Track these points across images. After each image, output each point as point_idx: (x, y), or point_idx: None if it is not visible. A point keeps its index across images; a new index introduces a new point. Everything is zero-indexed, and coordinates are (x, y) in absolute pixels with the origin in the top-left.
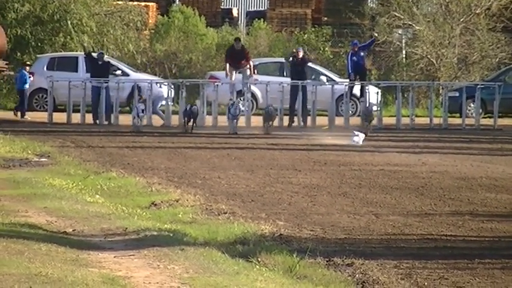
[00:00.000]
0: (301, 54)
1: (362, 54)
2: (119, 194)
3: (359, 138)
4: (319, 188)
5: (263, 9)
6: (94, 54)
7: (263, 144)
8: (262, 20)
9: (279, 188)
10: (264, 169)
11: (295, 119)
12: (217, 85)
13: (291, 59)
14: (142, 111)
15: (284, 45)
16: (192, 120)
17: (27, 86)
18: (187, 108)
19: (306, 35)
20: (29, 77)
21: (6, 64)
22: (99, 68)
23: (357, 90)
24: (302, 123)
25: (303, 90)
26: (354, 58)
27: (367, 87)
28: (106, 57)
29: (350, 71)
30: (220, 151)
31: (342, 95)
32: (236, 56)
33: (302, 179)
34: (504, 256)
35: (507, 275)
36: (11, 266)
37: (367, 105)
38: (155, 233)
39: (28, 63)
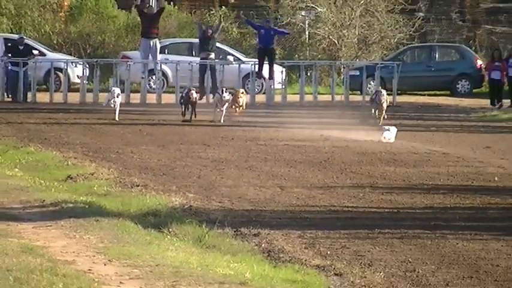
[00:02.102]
0: (210, 33)
1: (272, 33)
2: (36, 167)
3: (390, 133)
4: (227, 162)
5: None
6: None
7: (174, 120)
8: (172, 2)
9: (189, 162)
10: (174, 144)
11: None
12: (130, 64)
13: (203, 27)
14: (118, 96)
15: (191, 27)
16: (190, 108)
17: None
18: (184, 95)
19: (211, 17)
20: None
21: None
22: (20, 52)
23: (265, 71)
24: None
25: (212, 69)
26: (262, 31)
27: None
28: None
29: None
30: (132, 127)
31: (249, 73)
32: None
33: (211, 153)
34: (403, 226)
35: (405, 244)
36: None
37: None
38: (71, 205)
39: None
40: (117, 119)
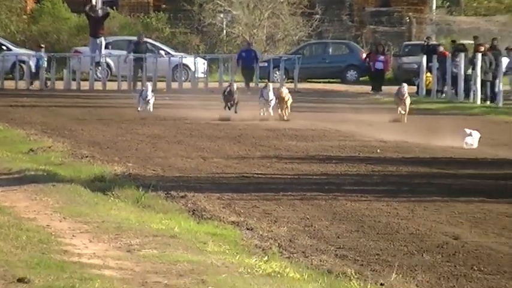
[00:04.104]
0: (142, 38)
1: (253, 55)
2: (4, 142)
3: (473, 139)
4: (159, 137)
5: None
6: None
7: (117, 104)
8: (115, 7)
9: (129, 138)
10: (116, 123)
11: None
12: (80, 58)
13: (132, 45)
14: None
15: (130, 27)
16: (232, 104)
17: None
18: (225, 92)
19: (148, 19)
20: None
21: None
22: None
23: (188, 61)
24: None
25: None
26: (243, 53)
27: (196, 59)
28: None
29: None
30: (82, 109)
31: (177, 65)
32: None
33: (146, 130)
34: (303, 189)
35: (304, 204)
36: None
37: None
38: (33, 173)
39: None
40: (144, 111)
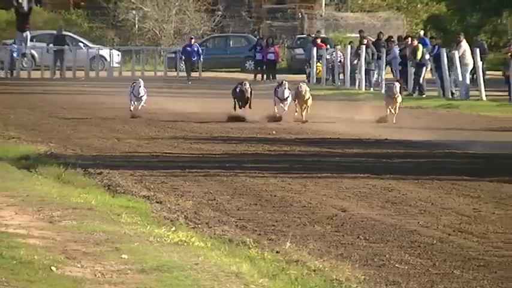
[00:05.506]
0: (61, 32)
1: (196, 49)
2: None
3: None
4: (78, 120)
5: None
6: None
7: (43, 91)
8: (39, 4)
9: (51, 121)
10: (41, 108)
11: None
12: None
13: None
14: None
15: (53, 22)
16: (241, 103)
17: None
18: (237, 90)
19: (69, 15)
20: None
21: None
22: None
23: (104, 53)
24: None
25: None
26: (188, 48)
27: (111, 51)
28: None
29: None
30: (10, 95)
31: (94, 56)
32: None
33: (67, 114)
34: (206, 167)
35: (208, 180)
36: None
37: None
38: None
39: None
40: (136, 109)
